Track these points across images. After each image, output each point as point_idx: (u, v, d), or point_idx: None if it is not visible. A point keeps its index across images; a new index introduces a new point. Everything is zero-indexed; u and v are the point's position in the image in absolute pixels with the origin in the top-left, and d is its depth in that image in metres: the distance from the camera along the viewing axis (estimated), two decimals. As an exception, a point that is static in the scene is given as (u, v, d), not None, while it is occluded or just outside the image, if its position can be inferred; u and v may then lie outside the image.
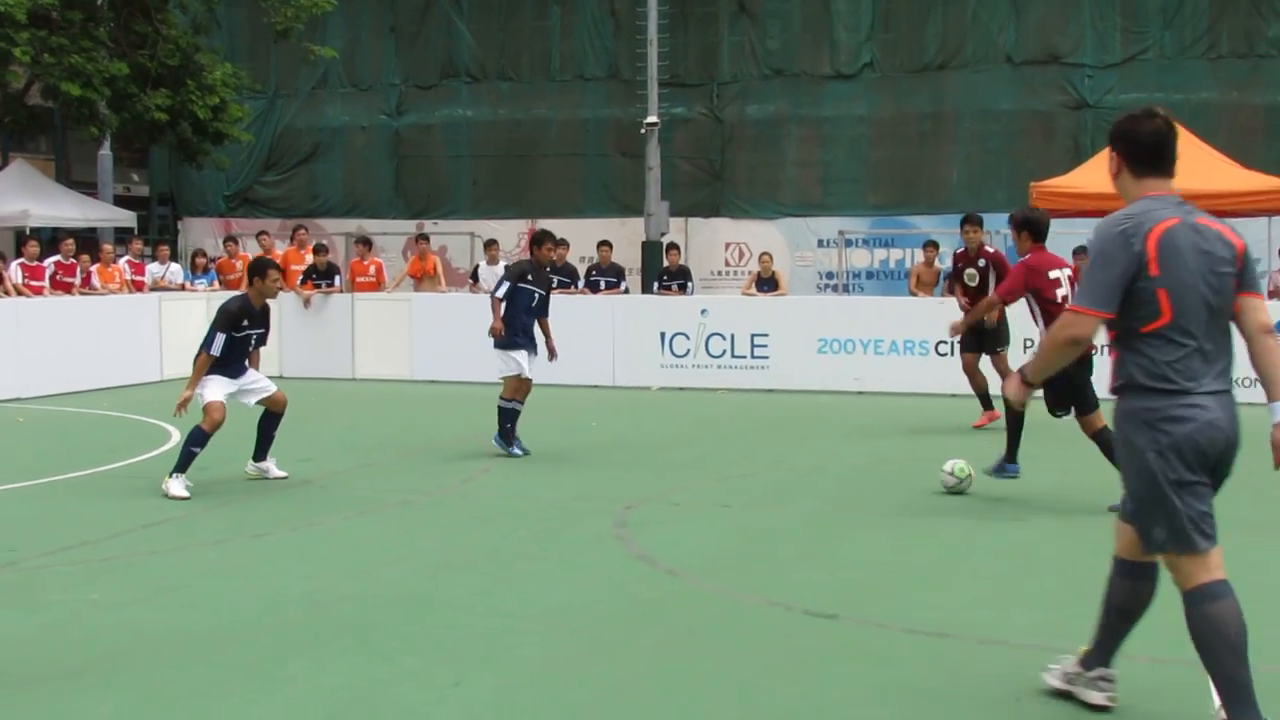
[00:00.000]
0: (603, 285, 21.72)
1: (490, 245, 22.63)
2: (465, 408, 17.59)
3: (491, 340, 13.58)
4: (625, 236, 28.51)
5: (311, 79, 36.26)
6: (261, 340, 11.99)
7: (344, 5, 33.11)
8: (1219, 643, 5.18)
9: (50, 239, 26.40)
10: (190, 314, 21.14)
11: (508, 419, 13.50)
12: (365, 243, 23.60)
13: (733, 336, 19.75)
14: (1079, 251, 19.64)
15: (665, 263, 23.00)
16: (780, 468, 12.88)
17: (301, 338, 21.27)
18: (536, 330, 13.82)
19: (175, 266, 23.39)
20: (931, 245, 21.12)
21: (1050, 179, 20.56)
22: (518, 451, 13.41)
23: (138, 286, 22.23)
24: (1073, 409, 10.57)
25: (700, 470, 12.81)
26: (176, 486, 11.16)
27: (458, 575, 8.58)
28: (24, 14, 26.67)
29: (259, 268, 11.83)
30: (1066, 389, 10.37)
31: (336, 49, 32.99)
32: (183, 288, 22.73)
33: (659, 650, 6.94)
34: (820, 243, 32.16)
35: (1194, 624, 5.27)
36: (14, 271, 20.21)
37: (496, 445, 13.49)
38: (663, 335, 19.96)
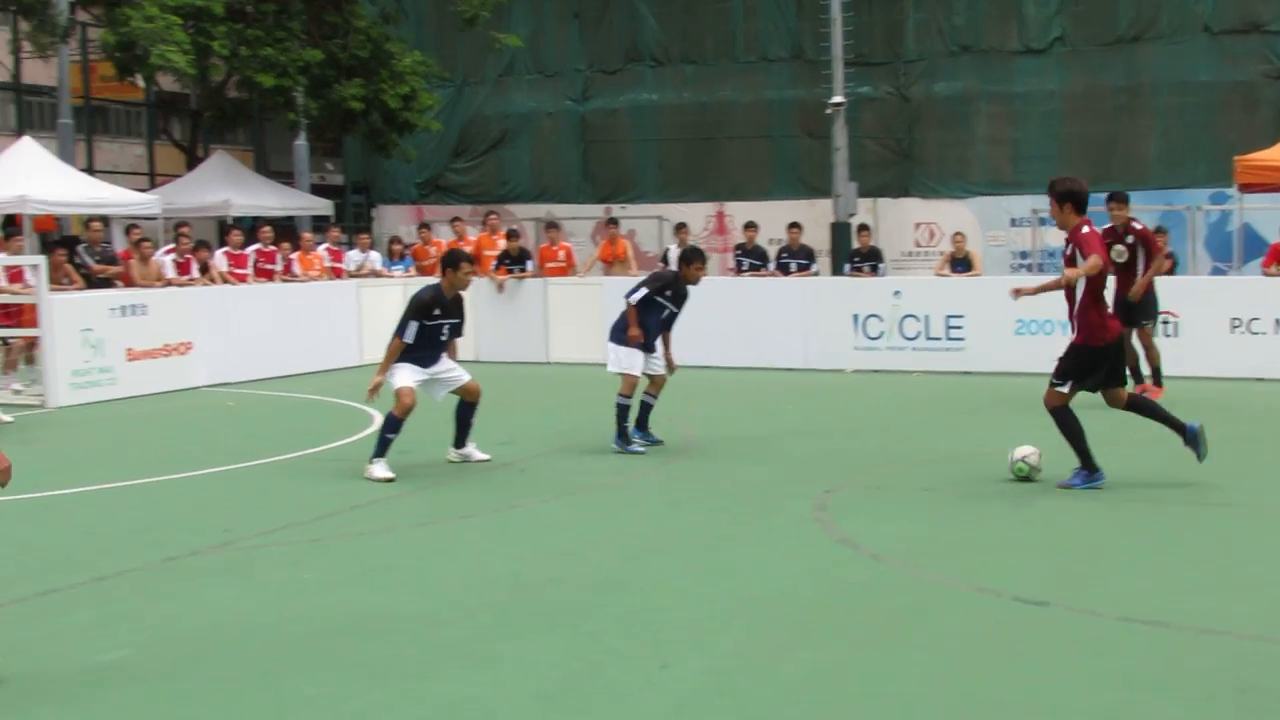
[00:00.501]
0: (793, 267, 21.61)
1: (680, 229, 22.64)
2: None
3: (612, 336, 13.19)
4: (813, 218, 28.32)
5: (498, 66, 36.65)
6: (456, 331, 12.08)
7: (529, -9, 33.47)
8: None
9: (250, 228, 27.08)
10: (388, 300, 21.53)
11: (624, 417, 12.98)
12: (555, 227, 23.79)
13: (927, 318, 19.50)
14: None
15: (855, 244, 22.83)
16: (981, 451, 12.64)
17: (495, 323, 21.55)
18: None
19: (375, 254, 23.82)
20: (1130, 222, 20.55)
21: (1254, 153, 19.95)
22: (638, 448, 12.85)
23: (336, 273, 22.69)
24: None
25: (899, 454, 12.68)
26: (380, 470, 11.38)
27: (659, 558, 8.61)
28: (221, 8, 27.40)
29: (452, 260, 11.94)
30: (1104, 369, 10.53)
31: (522, 36, 33.31)
32: (379, 274, 23.11)
33: (865, 636, 6.88)
34: (1013, 221, 31.63)
35: None
36: (219, 260, 20.78)
37: (615, 447, 12.91)
38: (855, 317, 19.77)
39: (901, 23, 33.11)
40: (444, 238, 24.34)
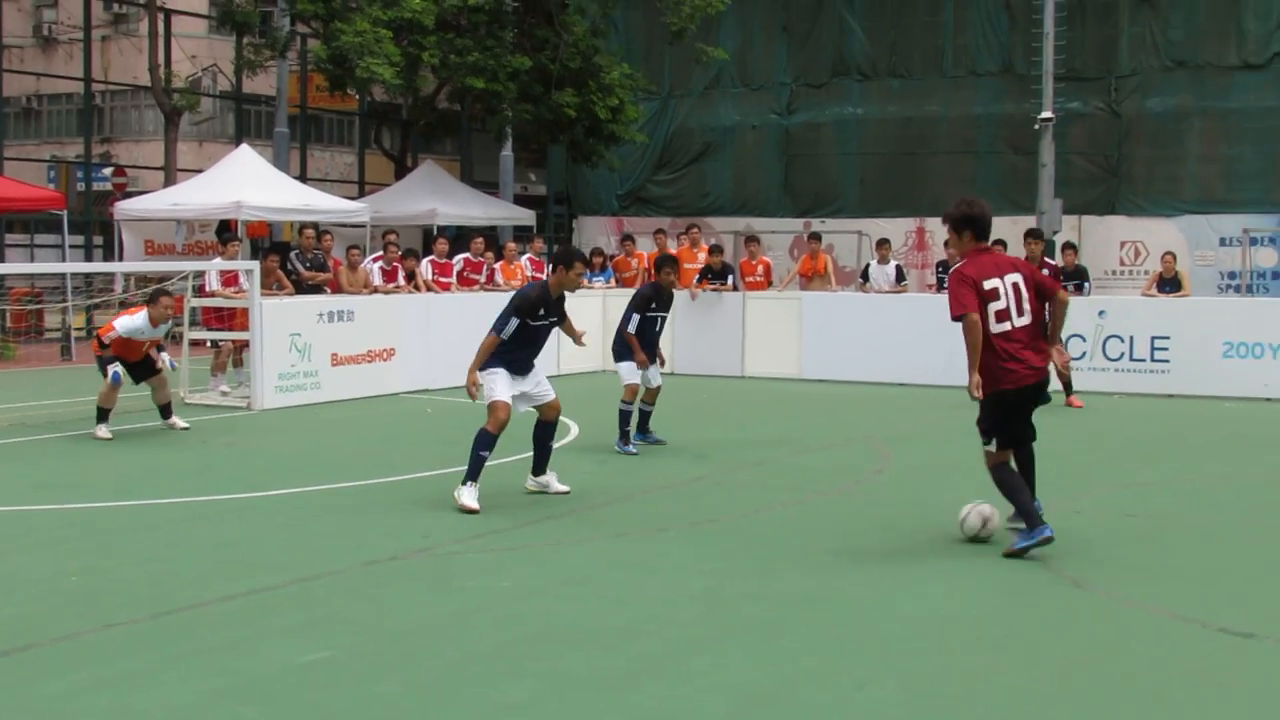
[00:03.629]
0: (996, 285, 21.25)
1: (882, 245, 22.46)
2: (856, 407, 17.50)
3: (616, 356, 14.03)
4: (1016, 235, 27.78)
5: (704, 79, 36.83)
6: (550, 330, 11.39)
7: (737, 5, 33.55)
8: None
9: (455, 237, 27.55)
10: (588, 311, 21.69)
11: (625, 421, 13.67)
12: (754, 241, 23.77)
13: (1132, 339, 19.05)
14: None
15: (1060, 262, 22.36)
16: (1185, 477, 12.38)
17: (692, 336, 21.57)
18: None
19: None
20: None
21: None
22: (632, 449, 13.57)
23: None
24: None
25: (1101, 477, 12.41)
26: (468, 498, 10.53)
27: (855, 576, 8.53)
28: (432, 20, 27.94)
29: (566, 257, 11.25)
30: None
31: (729, 49, 33.46)
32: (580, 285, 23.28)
33: (1065, 663, 6.74)
34: (1222, 241, 30.85)
35: None
36: (424, 268, 21.15)
37: (617, 448, 13.65)
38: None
39: (1115, 37, 32.53)
40: (646, 250, 24.47)
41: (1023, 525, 9.01)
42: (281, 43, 30.36)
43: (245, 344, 17.83)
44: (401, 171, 35.20)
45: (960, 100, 34.10)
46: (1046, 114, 28.58)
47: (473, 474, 10.60)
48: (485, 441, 10.65)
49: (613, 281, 23.48)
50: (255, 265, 17.80)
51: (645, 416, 14.18)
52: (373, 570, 8.67)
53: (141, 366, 15.02)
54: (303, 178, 35.40)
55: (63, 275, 24.92)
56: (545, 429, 11.27)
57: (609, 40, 33.94)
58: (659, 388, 14.13)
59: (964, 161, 33.98)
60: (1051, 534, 8.80)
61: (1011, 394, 8.92)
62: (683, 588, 8.21)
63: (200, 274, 18.87)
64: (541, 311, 11.04)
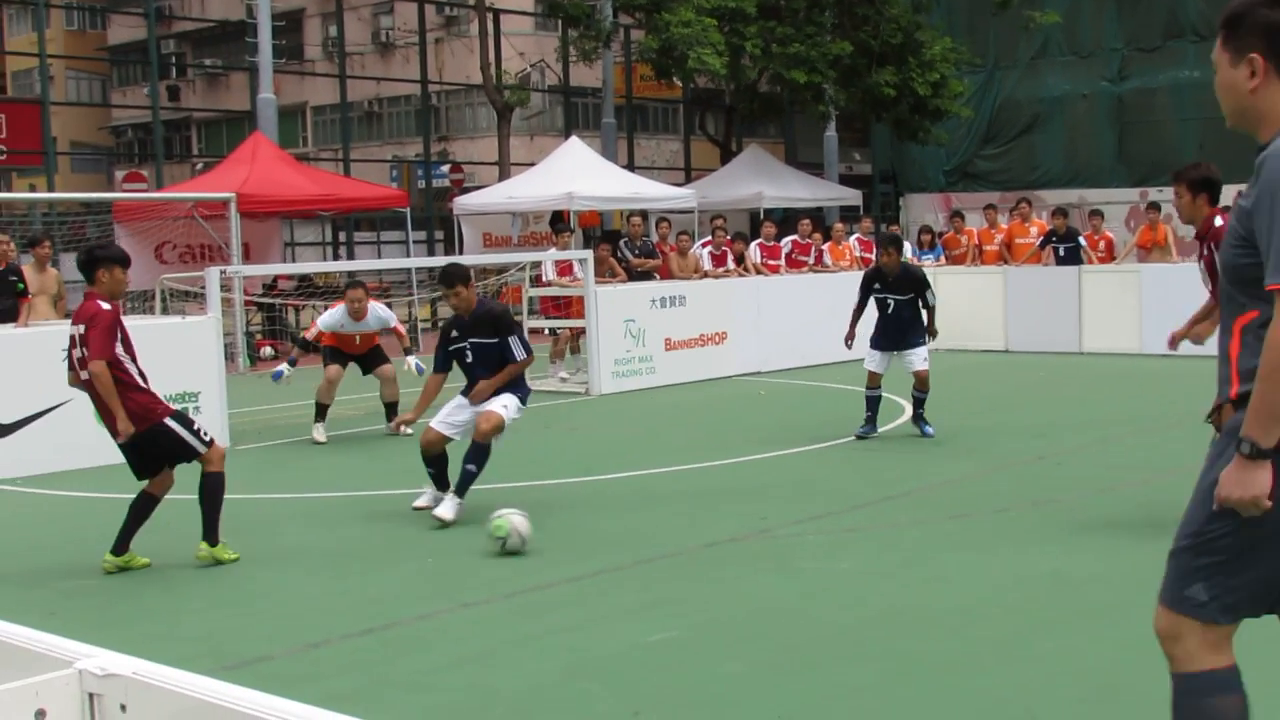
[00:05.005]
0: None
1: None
2: (1202, 384, 16.80)
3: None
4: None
5: (1030, 49, 36.04)
6: (487, 352, 9.98)
7: (1064, -28, 32.68)
8: None
9: (782, 219, 27.61)
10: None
11: (868, 406, 13.19)
12: (1097, 215, 23.11)
13: None
14: None
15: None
16: None
17: (1027, 311, 21.11)
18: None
19: (906, 245, 23.77)
20: None
21: None
22: (862, 432, 13.16)
23: (866, 264, 22.76)
24: None
25: None
26: (422, 500, 10.00)
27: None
28: (754, 7, 28.09)
29: (443, 277, 10.41)
30: None
31: (1057, 16, 32.59)
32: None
33: None
34: None
35: None
36: (753, 251, 21.25)
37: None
38: None
39: None
40: (976, 226, 24.05)
41: None
42: (606, 34, 30.92)
43: (581, 331, 18.25)
44: (726, 156, 35.44)
45: (1309, 55, 32.46)
46: None
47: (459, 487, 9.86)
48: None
49: (942, 260, 23.15)
50: (589, 254, 18.19)
51: (918, 402, 13.32)
52: (713, 551, 8.77)
53: (367, 359, 14.71)
54: (630, 166, 35.97)
55: (408, 270, 25.95)
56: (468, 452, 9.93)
57: (931, 15, 33.49)
58: (921, 371, 13.14)
59: (1315, 121, 32.36)
60: None
61: None
62: (1027, 569, 8.05)
63: (536, 264, 19.39)
64: (454, 334, 10.09)
